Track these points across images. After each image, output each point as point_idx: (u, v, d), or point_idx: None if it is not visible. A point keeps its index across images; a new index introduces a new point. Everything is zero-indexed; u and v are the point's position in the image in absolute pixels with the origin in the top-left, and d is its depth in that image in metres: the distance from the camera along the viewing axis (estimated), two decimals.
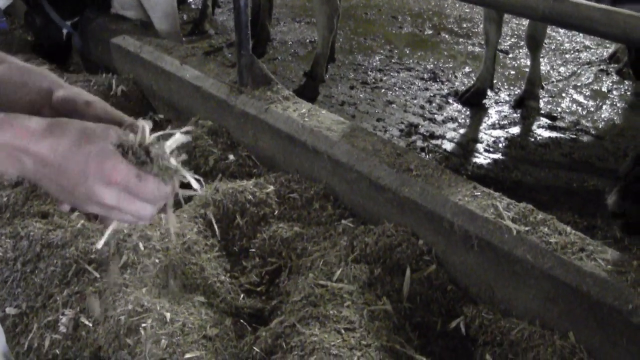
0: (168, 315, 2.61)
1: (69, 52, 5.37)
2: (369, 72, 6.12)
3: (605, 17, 2.55)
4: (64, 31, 5.20)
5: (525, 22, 5.95)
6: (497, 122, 5.19)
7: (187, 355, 2.47)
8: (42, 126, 1.07)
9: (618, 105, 5.50)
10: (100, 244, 1.21)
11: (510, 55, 6.60)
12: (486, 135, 4.99)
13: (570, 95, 5.65)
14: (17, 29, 5.82)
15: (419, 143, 4.83)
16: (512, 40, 7.00)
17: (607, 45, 6.66)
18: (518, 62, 6.44)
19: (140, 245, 2.96)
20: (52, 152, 1.07)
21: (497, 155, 4.69)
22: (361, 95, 5.63)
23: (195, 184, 1.17)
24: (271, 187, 3.49)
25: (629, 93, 5.71)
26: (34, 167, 1.07)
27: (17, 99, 1.30)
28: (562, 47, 6.79)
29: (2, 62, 1.33)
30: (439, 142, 4.86)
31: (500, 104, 5.51)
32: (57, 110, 1.26)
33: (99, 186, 1.08)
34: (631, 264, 2.52)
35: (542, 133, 5.01)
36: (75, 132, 1.08)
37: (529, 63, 5.53)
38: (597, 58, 6.49)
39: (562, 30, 7.08)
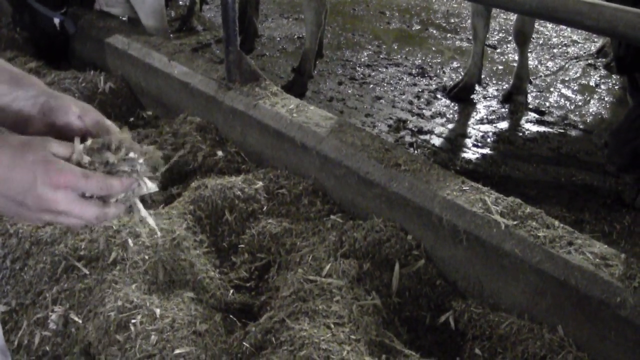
0: (158, 311, 2.61)
1: (67, 42, 5.32)
2: (357, 68, 6.13)
3: (593, 11, 2.56)
4: (56, 21, 5.15)
5: (513, 17, 5.96)
6: (485, 117, 5.21)
7: (177, 351, 2.47)
8: None
9: (606, 99, 5.52)
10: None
11: (498, 50, 6.62)
12: (474, 130, 5.00)
13: (558, 90, 5.68)
14: (4, 27, 5.78)
15: (408, 138, 4.84)
16: (500, 35, 7.01)
17: (595, 39, 6.69)
18: (506, 57, 6.46)
19: (130, 241, 2.95)
20: None
21: (486, 150, 4.70)
22: (349, 91, 5.63)
23: (149, 184, 1.22)
24: (260, 183, 3.49)
25: (616, 87, 5.74)
26: None
27: (6, 106, 1.30)
28: (550, 42, 6.81)
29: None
30: (427, 137, 4.87)
31: (488, 98, 5.53)
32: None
33: (48, 190, 1.09)
34: (619, 258, 2.54)
35: (530, 128, 5.03)
36: (15, 143, 1.10)
37: (516, 58, 5.55)
38: (584, 52, 6.52)
39: (550, 25, 7.12)
